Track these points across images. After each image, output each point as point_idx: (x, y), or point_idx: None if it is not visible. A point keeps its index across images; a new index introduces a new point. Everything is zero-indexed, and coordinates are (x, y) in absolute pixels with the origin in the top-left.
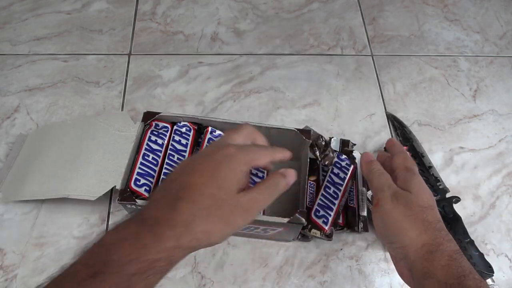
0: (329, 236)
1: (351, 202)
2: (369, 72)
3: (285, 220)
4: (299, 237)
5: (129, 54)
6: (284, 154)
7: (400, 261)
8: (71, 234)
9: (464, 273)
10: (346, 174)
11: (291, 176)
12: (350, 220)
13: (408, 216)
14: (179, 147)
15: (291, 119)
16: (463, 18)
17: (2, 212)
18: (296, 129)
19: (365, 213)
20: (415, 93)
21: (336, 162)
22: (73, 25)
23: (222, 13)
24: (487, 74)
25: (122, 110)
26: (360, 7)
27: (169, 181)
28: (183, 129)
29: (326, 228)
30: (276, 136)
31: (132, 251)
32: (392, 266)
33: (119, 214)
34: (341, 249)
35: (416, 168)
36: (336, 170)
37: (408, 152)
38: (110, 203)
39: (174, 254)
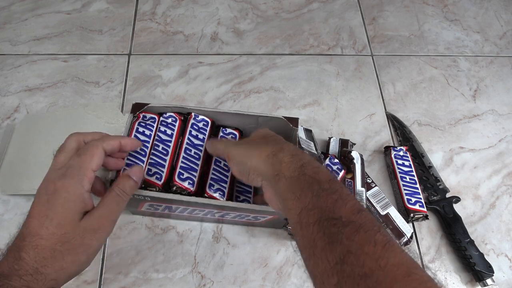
0: None
1: None
2: (369, 72)
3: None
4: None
5: (129, 54)
6: (124, 140)
7: (263, 188)
8: None
9: (303, 162)
10: (337, 177)
11: (136, 174)
12: None
13: (250, 144)
14: (164, 137)
15: None
16: (463, 18)
17: (2, 212)
18: (283, 117)
19: None
20: (415, 93)
21: (328, 165)
22: (73, 25)
23: (222, 13)
24: (487, 74)
25: (122, 110)
26: (360, 7)
27: (19, 230)
28: (169, 120)
29: None
30: (263, 124)
31: None
32: None
33: None
34: None
35: None
36: None
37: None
38: None
39: None
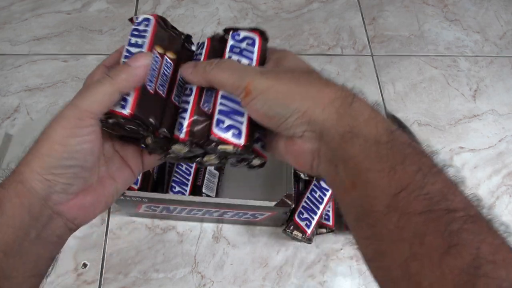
0: (310, 240)
1: None
2: (369, 72)
3: (272, 203)
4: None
5: None
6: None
7: (298, 140)
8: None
9: (393, 127)
10: None
11: (139, 62)
12: None
13: (296, 78)
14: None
15: None
16: (463, 18)
17: None
18: None
19: None
20: (415, 93)
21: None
22: (73, 25)
23: (222, 13)
24: (487, 74)
25: None
26: (360, 7)
27: None
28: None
29: (308, 231)
30: None
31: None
32: None
33: (119, 214)
34: (341, 249)
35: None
36: None
37: None
38: None
39: None
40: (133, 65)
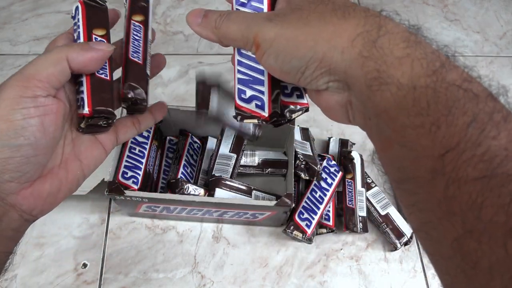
0: (310, 240)
1: (350, 202)
2: None
3: (272, 203)
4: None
5: None
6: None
7: (325, 93)
8: (71, 234)
9: (440, 61)
10: (334, 180)
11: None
12: (349, 220)
13: (305, 17)
14: (140, 139)
15: None
16: (463, 18)
17: None
18: None
19: (364, 214)
20: None
21: (325, 167)
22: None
23: None
24: (487, 74)
25: (122, 110)
26: None
27: None
28: None
29: (309, 231)
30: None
31: None
32: (393, 266)
33: (119, 214)
34: (341, 249)
35: None
36: (324, 175)
37: None
38: (110, 203)
39: None
40: (94, 46)
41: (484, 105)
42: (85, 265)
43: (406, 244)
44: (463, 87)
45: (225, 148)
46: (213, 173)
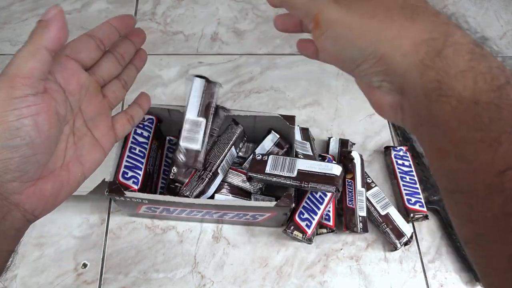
0: (310, 240)
1: (350, 202)
2: None
3: (272, 204)
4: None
5: None
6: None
7: (378, 87)
8: (71, 234)
9: (505, 77)
10: None
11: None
12: (349, 220)
13: (372, 7)
14: (140, 139)
15: None
16: (463, 18)
17: None
18: (280, 115)
19: (364, 214)
20: None
21: None
22: (73, 25)
23: (222, 13)
24: None
25: (122, 110)
26: None
27: None
28: (146, 122)
29: (309, 231)
30: (261, 123)
31: None
32: (393, 266)
33: (119, 214)
34: (341, 249)
35: None
36: None
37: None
38: (110, 203)
39: None
40: (45, 18)
41: None
42: (85, 265)
43: (406, 244)
44: None
45: (192, 113)
46: (179, 143)
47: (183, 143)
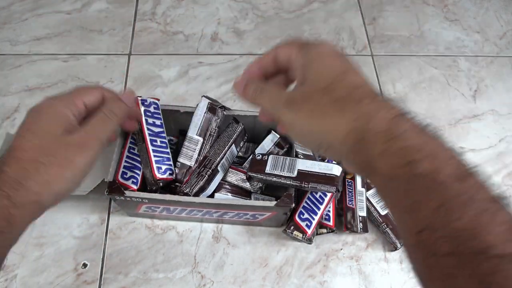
0: (310, 240)
1: (350, 202)
2: (369, 72)
3: (272, 203)
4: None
5: (129, 54)
6: (123, 97)
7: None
8: (71, 234)
9: (409, 150)
10: None
11: (126, 97)
12: (349, 220)
13: (312, 108)
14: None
15: None
16: (463, 18)
17: None
18: None
19: (364, 214)
20: (415, 93)
21: None
22: (73, 25)
23: (222, 13)
24: (487, 74)
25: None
26: (360, 7)
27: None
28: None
29: (309, 231)
30: (261, 123)
31: None
32: (393, 266)
33: (119, 214)
34: (341, 249)
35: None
36: None
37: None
38: (110, 203)
39: (12, 214)
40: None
41: (451, 190)
42: (85, 265)
43: None
44: (430, 176)
45: (192, 131)
46: (178, 160)
47: (180, 159)
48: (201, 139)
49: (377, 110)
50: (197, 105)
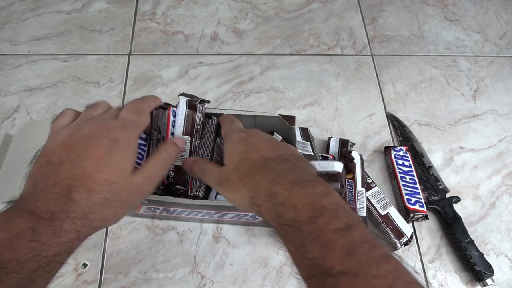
0: None
1: (350, 202)
2: (369, 72)
3: None
4: None
5: (129, 54)
6: (156, 100)
7: None
8: None
9: (278, 205)
10: None
11: (179, 141)
12: None
13: (231, 190)
14: (139, 140)
15: None
16: (463, 18)
17: None
18: (279, 115)
19: (364, 214)
20: (415, 93)
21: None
22: (73, 25)
23: (222, 13)
24: (487, 74)
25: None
26: (360, 7)
27: (55, 164)
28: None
29: None
30: (261, 123)
31: (30, 250)
32: None
33: None
34: None
35: (235, 125)
36: None
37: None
38: None
39: (74, 245)
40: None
41: (305, 229)
42: (85, 265)
43: (406, 244)
44: (291, 222)
45: (178, 131)
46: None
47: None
48: (189, 138)
49: (263, 179)
50: (177, 105)
